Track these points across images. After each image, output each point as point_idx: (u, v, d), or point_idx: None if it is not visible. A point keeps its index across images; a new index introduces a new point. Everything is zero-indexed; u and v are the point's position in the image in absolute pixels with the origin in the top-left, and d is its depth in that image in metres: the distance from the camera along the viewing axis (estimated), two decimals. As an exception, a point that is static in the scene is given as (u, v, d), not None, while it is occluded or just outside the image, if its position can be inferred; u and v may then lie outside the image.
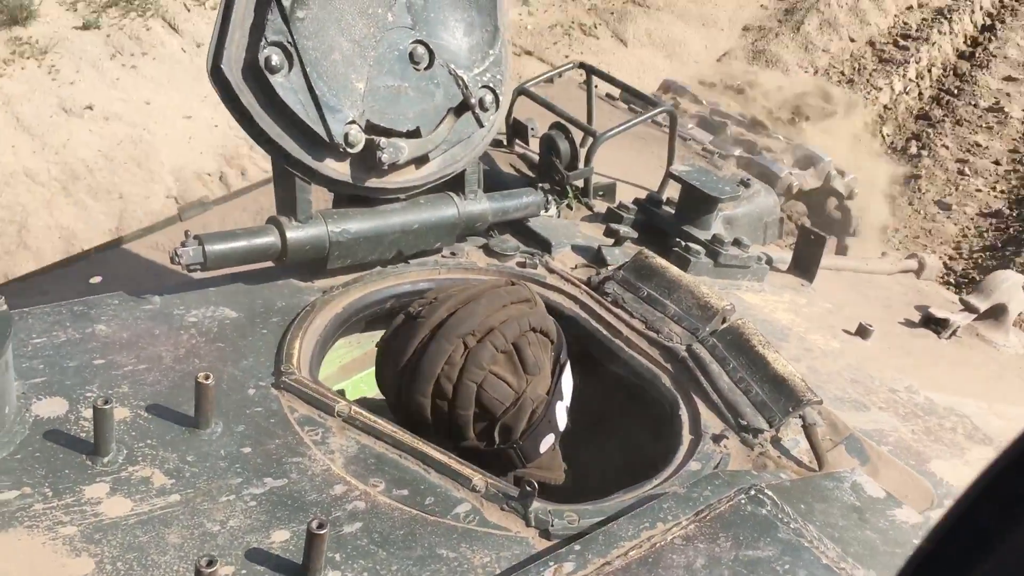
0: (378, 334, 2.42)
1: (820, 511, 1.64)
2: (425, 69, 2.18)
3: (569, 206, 2.93)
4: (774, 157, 4.48)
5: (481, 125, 2.30)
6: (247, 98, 1.97)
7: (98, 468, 1.57)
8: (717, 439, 1.94)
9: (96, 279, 3.00)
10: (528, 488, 1.65)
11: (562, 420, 1.95)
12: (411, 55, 2.16)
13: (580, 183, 2.95)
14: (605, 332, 2.25)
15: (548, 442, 1.92)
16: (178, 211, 3.36)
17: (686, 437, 1.97)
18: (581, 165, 2.91)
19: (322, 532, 1.39)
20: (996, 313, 3.28)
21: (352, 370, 2.36)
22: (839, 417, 2.07)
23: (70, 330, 1.88)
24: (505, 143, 3.29)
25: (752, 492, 1.62)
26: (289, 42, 1.96)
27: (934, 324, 3.13)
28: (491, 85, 2.28)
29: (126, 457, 1.61)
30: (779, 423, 1.96)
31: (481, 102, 2.27)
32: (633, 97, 3.32)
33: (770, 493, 1.62)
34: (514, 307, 1.89)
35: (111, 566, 1.41)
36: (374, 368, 2.35)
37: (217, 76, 1.94)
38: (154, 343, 1.90)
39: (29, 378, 1.73)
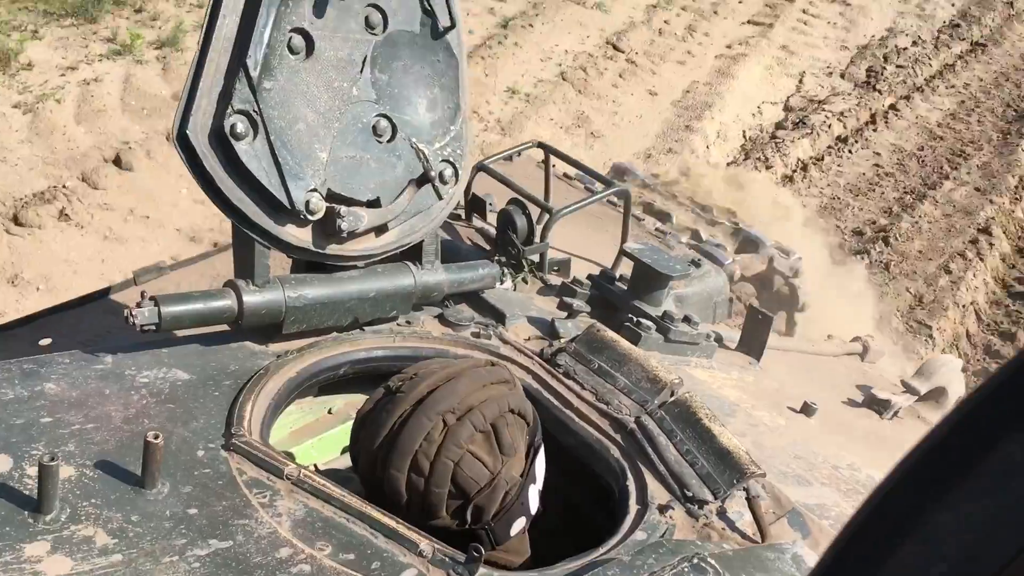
0: (331, 400, 2.44)
1: None
2: (388, 142, 2.25)
3: (524, 280, 2.98)
4: (718, 244, 4.61)
5: (440, 197, 2.36)
6: (210, 163, 2.01)
7: (40, 526, 1.55)
8: (663, 509, 1.97)
9: (46, 341, 2.97)
10: (475, 552, 1.66)
11: (534, 504, 1.96)
12: (374, 128, 2.22)
13: (536, 257, 3.01)
14: (556, 403, 2.29)
15: (519, 525, 1.92)
16: (134, 275, 3.35)
17: (633, 507, 1.99)
18: (537, 240, 2.98)
19: None
20: (936, 396, 3.37)
21: (303, 435, 2.36)
22: (782, 491, 2.11)
23: (18, 388, 1.87)
24: (464, 216, 3.36)
25: (695, 561, 1.65)
26: (255, 111, 2.02)
27: (876, 405, 3.21)
28: (451, 159, 2.35)
29: (69, 515, 1.59)
30: (724, 495, 2.00)
31: (441, 175, 2.34)
32: (589, 176, 3.42)
33: (713, 562, 1.65)
34: (494, 387, 1.90)
35: None
36: (328, 435, 2.37)
37: (183, 141, 1.98)
38: (103, 402, 1.90)
39: None
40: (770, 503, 2.06)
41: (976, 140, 10.77)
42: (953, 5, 14.19)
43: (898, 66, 11.99)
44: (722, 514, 2.00)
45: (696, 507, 1.98)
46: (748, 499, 2.00)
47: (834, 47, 12.20)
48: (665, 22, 11.53)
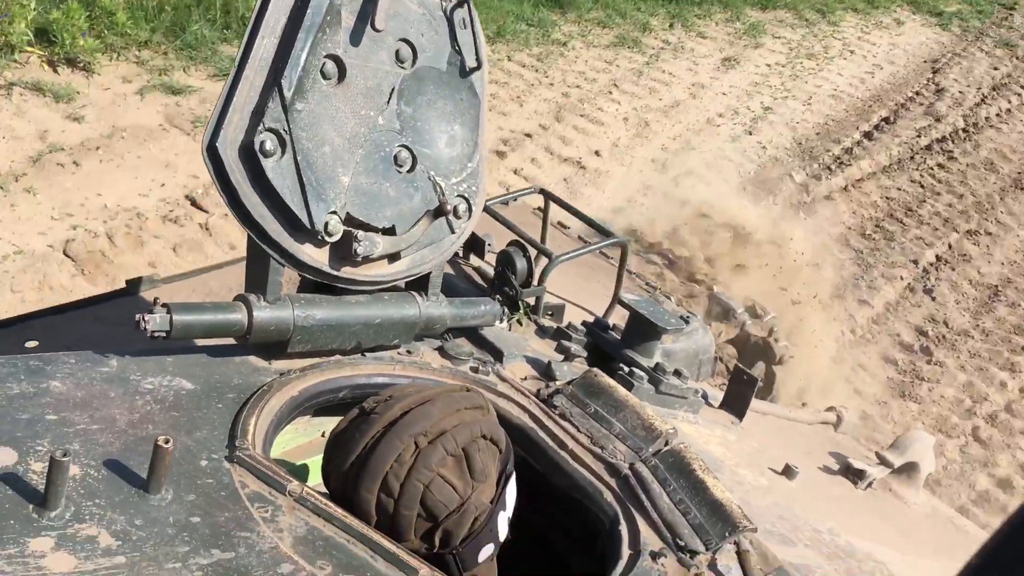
0: (325, 422, 2.44)
1: None
2: (407, 172, 2.29)
3: (519, 321, 3.02)
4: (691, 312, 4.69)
5: (453, 231, 2.40)
6: (236, 177, 2.03)
7: (44, 522, 1.54)
8: (656, 556, 1.98)
9: (32, 343, 2.94)
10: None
11: (503, 531, 1.97)
12: (395, 157, 2.26)
13: (532, 300, 3.05)
14: (551, 443, 2.31)
15: (487, 552, 1.93)
16: (126, 284, 3.33)
17: (625, 552, 2.01)
18: (535, 283, 3.02)
19: None
20: (908, 470, 3.43)
21: (296, 456, 2.35)
22: (769, 548, 2.14)
23: (24, 383, 1.86)
24: (461, 254, 3.40)
25: None
26: (285, 130, 2.05)
27: (852, 474, 3.26)
28: (466, 195, 2.40)
29: (73, 514, 1.58)
30: (716, 546, 2.02)
31: (455, 210, 2.38)
32: (588, 225, 3.48)
33: None
34: (467, 412, 1.93)
35: None
36: (320, 457, 2.36)
37: (212, 153, 2.01)
38: (109, 405, 1.89)
39: None
40: (758, 559, 2.09)
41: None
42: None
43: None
44: (712, 566, 2.02)
45: (688, 556, 2.00)
46: (738, 552, 2.03)
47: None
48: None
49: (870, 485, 3.27)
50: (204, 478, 1.77)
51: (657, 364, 2.84)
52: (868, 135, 11.31)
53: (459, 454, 1.87)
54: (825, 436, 3.88)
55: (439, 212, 2.35)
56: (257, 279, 2.16)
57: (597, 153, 9.28)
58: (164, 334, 1.99)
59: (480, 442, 1.91)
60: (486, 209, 3.28)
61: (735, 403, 3.17)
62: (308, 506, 1.78)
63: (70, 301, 3.25)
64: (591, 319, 3.17)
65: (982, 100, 13.16)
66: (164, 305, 2.01)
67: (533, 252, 3.09)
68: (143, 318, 1.97)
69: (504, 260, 3.03)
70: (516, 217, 3.83)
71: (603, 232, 3.32)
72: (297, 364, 2.25)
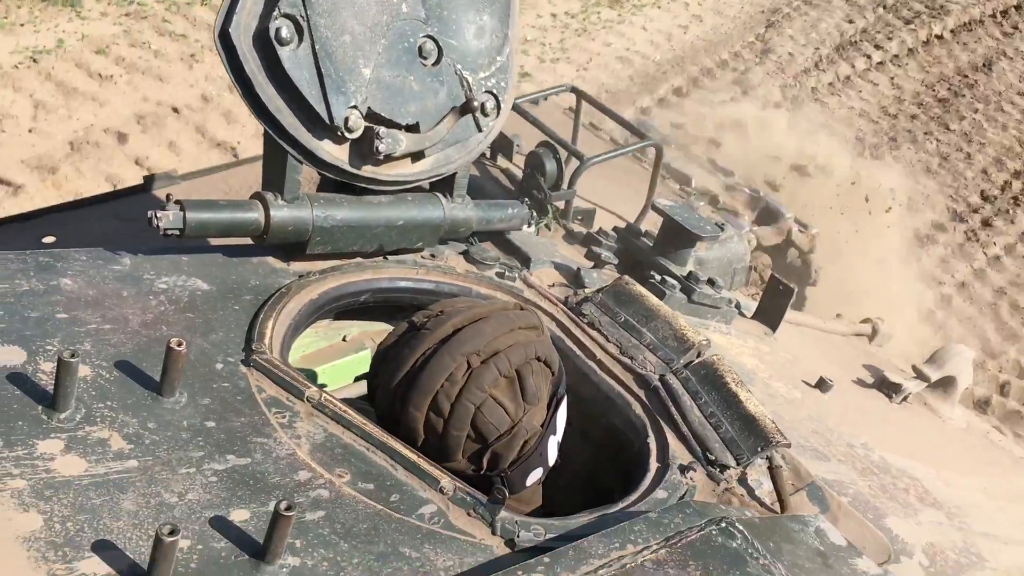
0: (346, 326, 2.38)
1: (787, 551, 1.63)
2: (432, 65, 2.15)
3: (547, 226, 2.91)
4: (736, 212, 4.54)
5: (480, 130, 2.28)
6: (251, 66, 1.92)
7: (54, 423, 1.49)
8: (684, 470, 1.92)
9: (50, 239, 2.88)
10: (498, 495, 1.61)
11: (552, 455, 1.90)
12: (420, 49, 2.13)
13: (561, 204, 2.94)
14: (579, 352, 2.23)
15: (535, 476, 1.87)
16: (144, 180, 3.25)
17: (653, 465, 1.95)
18: (565, 186, 2.90)
19: (289, 515, 1.33)
20: (945, 385, 3.34)
21: (316, 361, 2.29)
22: (802, 464, 2.07)
23: (34, 280, 1.79)
24: (488, 155, 3.27)
25: (723, 524, 1.61)
26: (302, 16, 1.92)
27: (887, 388, 3.18)
28: (495, 91, 2.26)
29: (84, 416, 1.53)
30: (747, 461, 1.96)
31: (483, 107, 2.25)
32: (622, 126, 3.33)
33: (741, 527, 1.61)
34: (521, 332, 1.84)
35: (60, 525, 1.33)
36: (340, 362, 2.31)
37: (224, 40, 1.89)
38: (121, 304, 1.82)
39: None
40: (790, 474, 2.02)
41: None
42: None
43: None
44: (743, 480, 1.96)
45: (717, 471, 1.94)
46: (770, 468, 1.96)
47: None
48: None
49: (905, 399, 3.18)
50: (220, 382, 1.72)
51: (690, 272, 2.74)
52: (644, 110, 8.53)
53: (512, 375, 1.79)
54: (860, 349, 3.79)
55: (466, 109, 2.22)
56: (274, 177, 2.07)
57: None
58: (177, 232, 1.91)
59: (534, 364, 1.83)
60: (515, 108, 3.13)
61: (769, 313, 3.07)
62: (327, 412, 1.72)
63: (87, 197, 3.18)
64: (622, 225, 3.05)
65: (815, 64, 10.08)
66: (178, 202, 1.93)
67: (563, 154, 2.96)
68: (155, 215, 1.89)
69: (533, 162, 2.91)
70: (547, 117, 3.68)
71: (637, 134, 3.18)
72: (317, 266, 2.17)
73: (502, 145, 3.24)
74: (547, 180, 2.88)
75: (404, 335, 1.85)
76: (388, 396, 1.81)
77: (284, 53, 1.92)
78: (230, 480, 1.51)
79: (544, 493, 2.02)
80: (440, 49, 2.16)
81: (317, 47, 1.95)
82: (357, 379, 2.33)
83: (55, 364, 1.49)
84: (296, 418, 1.70)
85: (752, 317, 3.10)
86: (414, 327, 1.84)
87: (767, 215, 4.66)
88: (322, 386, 2.21)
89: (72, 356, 1.45)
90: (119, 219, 3.11)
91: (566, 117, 3.96)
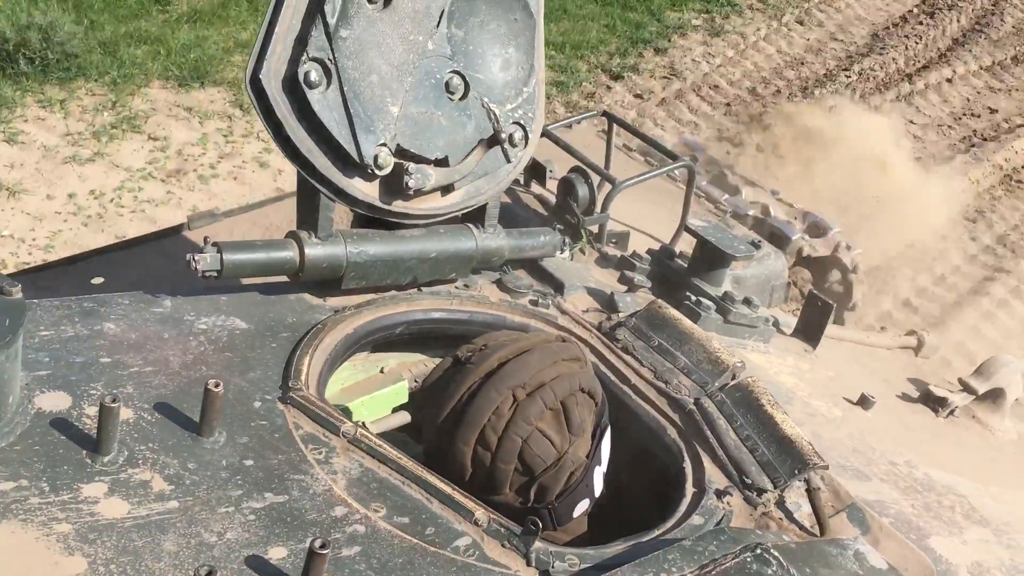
0: (383, 359, 2.41)
1: None
2: (459, 100, 2.19)
3: (582, 250, 2.93)
4: (786, 220, 4.51)
5: (508, 160, 2.31)
6: (282, 110, 1.97)
7: (97, 467, 1.54)
8: (721, 495, 1.92)
9: (98, 280, 2.97)
10: (532, 526, 1.63)
11: (599, 486, 1.91)
12: (447, 84, 2.17)
13: (595, 228, 2.95)
14: (613, 379, 2.24)
15: (582, 507, 1.88)
16: (187, 219, 3.34)
17: (689, 490, 1.95)
18: (598, 211, 2.92)
19: (324, 552, 1.36)
20: (994, 397, 3.28)
21: (354, 393, 2.33)
22: (842, 485, 2.06)
23: (78, 326, 1.86)
24: (522, 182, 3.30)
25: (758, 551, 1.60)
26: (330, 59, 1.97)
27: (932, 402, 3.13)
28: (522, 122, 2.30)
29: (127, 458, 1.58)
30: (784, 484, 1.95)
31: (511, 138, 2.28)
32: (654, 149, 3.34)
33: (776, 554, 1.60)
34: (565, 364, 1.86)
35: (104, 568, 1.38)
36: (378, 394, 2.34)
37: (255, 86, 1.94)
38: (162, 346, 1.88)
39: (34, 370, 1.70)
40: (829, 496, 2.00)
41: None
42: None
43: None
44: (780, 504, 1.94)
45: (755, 495, 1.93)
46: (808, 490, 1.94)
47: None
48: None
49: (952, 413, 3.13)
50: (257, 420, 1.76)
51: (726, 292, 2.74)
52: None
53: (557, 407, 1.81)
54: (906, 361, 3.73)
55: (494, 141, 2.26)
56: (308, 215, 2.12)
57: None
58: (215, 274, 1.97)
59: (578, 395, 1.85)
60: (547, 134, 3.16)
61: (809, 330, 3.04)
62: (363, 447, 1.75)
63: (133, 237, 3.27)
64: (657, 246, 3.06)
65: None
66: (215, 244, 1.98)
67: (596, 178, 2.97)
68: (194, 258, 1.95)
69: (565, 187, 2.93)
70: (579, 141, 3.70)
71: (669, 155, 3.19)
72: (352, 301, 2.21)
73: (535, 171, 3.26)
74: (580, 205, 2.90)
75: (449, 370, 1.88)
76: (435, 431, 1.83)
77: (313, 96, 1.97)
78: (268, 518, 1.55)
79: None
80: (467, 84, 2.20)
81: (345, 88, 1.99)
82: (395, 410, 2.37)
83: (99, 408, 1.54)
84: (332, 454, 1.73)
85: (792, 334, 3.08)
86: (458, 362, 1.87)
87: (814, 228, 4.61)
88: (359, 421, 2.25)
89: (113, 401, 1.50)
90: (166, 256, 3.19)
91: (600, 140, 3.98)
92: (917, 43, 10.33)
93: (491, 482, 1.78)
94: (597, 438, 1.88)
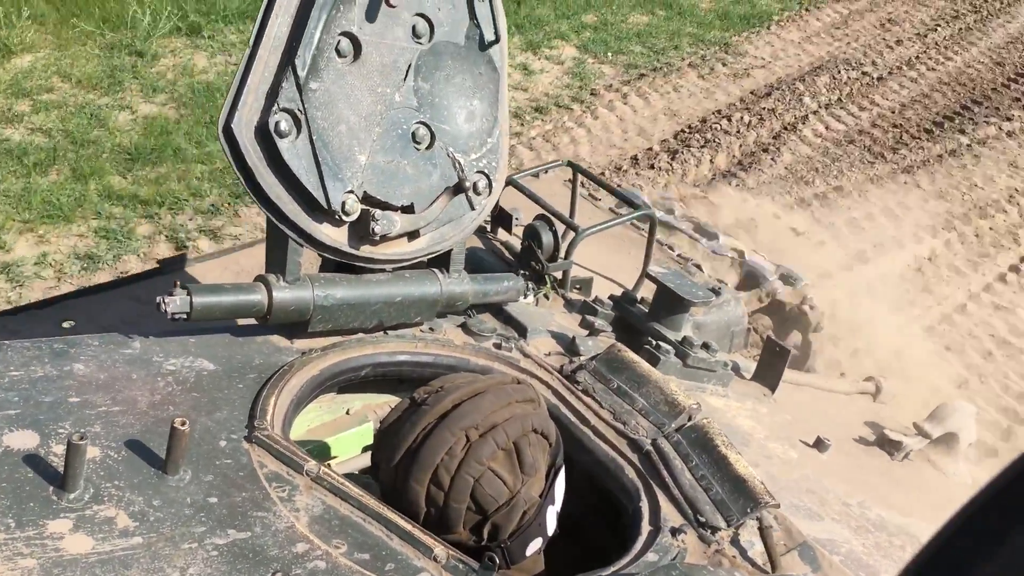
0: (350, 399, 2.46)
1: None
2: (425, 149, 2.27)
3: (546, 296, 3.00)
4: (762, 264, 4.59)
5: (473, 208, 2.39)
6: (252, 159, 2.04)
7: (64, 503, 1.57)
8: (675, 532, 1.97)
9: (68, 323, 3.00)
10: (489, 562, 1.67)
11: (551, 525, 1.96)
12: (413, 135, 2.25)
13: (559, 274, 3.03)
14: (574, 419, 2.30)
15: (535, 546, 1.93)
16: (159, 263, 3.38)
17: (645, 528, 2.00)
18: (562, 257, 3.00)
19: None
20: (947, 441, 3.36)
21: (320, 434, 2.38)
22: (794, 524, 2.12)
23: (48, 366, 1.90)
24: (489, 229, 3.39)
25: None
26: (300, 110, 2.05)
27: (888, 445, 3.21)
28: (486, 171, 2.38)
29: (92, 495, 1.61)
30: (737, 522, 2.01)
31: (475, 186, 2.36)
32: (616, 198, 3.44)
33: None
34: (519, 405, 1.92)
35: None
36: (344, 435, 2.39)
37: (227, 135, 2.01)
38: (131, 387, 1.92)
39: (3, 410, 1.73)
40: (782, 534, 2.06)
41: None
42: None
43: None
44: (734, 542, 2.00)
45: (708, 533, 1.99)
46: (760, 529, 2.00)
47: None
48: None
49: (907, 456, 3.21)
50: (223, 459, 1.80)
51: (685, 337, 2.81)
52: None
53: (510, 448, 1.86)
54: (863, 406, 3.82)
55: (458, 189, 2.34)
56: (277, 259, 2.18)
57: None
58: (185, 316, 2.02)
59: (531, 436, 1.91)
60: (513, 183, 3.26)
61: (767, 375, 3.12)
62: (325, 485, 1.80)
63: (106, 281, 3.30)
64: (620, 292, 3.14)
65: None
66: (184, 287, 2.04)
67: (561, 226, 3.06)
68: (163, 300, 2.00)
69: (530, 234, 3.01)
70: (547, 189, 3.80)
71: (630, 204, 3.28)
72: (319, 343, 2.26)
73: (502, 218, 3.35)
74: (544, 252, 2.98)
75: (405, 412, 1.93)
76: (391, 471, 1.88)
77: (283, 145, 2.04)
78: (230, 554, 1.59)
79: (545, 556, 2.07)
80: (433, 134, 2.28)
81: (314, 138, 2.07)
82: (365, 449, 2.41)
83: (66, 446, 1.58)
84: (296, 492, 1.78)
85: (751, 379, 3.15)
86: (415, 403, 1.92)
87: (784, 278, 4.67)
88: (327, 460, 2.29)
89: (81, 439, 1.54)
90: (137, 301, 3.23)
91: (566, 188, 4.08)
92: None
93: (445, 521, 1.82)
94: (551, 478, 1.93)
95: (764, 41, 10.52)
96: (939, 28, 11.31)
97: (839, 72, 9.85)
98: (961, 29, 11.37)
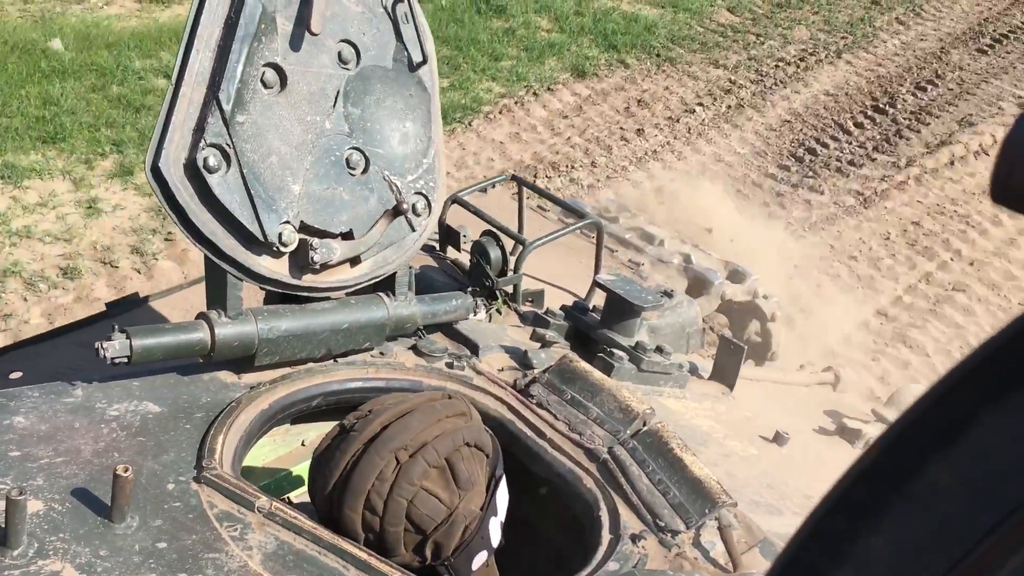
0: (304, 430, 2.44)
1: None
2: (361, 174, 2.27)
3: (499, 311, 3.00)
4: (707, 267, 4.62)
5: (413, 229, 2.38)
6: (183, 196, 2.02)
7: (7, 561, 1.54)
8: (636, 539, 1.97)
9: (16, 374, 2.94)
10: None
11: (496, 536, 1.95)
12: (347, 161, 2.24)
13: (509, 289, 3.03)
14: (530, 433, 2.30)
15: (481, 559, 1.92)
16: (107, 307, 3.33)
17: (605, 537, 2.00)
18: (511, 272, 3.00)
19: None
20: (907, 424, 3.40)
21: (276, 468, 2.35)
22: (754, 521, 2.13)
23: None
24: (438, 248, 3.38)
25: None
26: (228, 144, 2.03)
27: (848, 434, 3.24)
28: (424, 192, 2.38)
29: (36, 550, 1.58)
30: (696, 524, 2.01)
31: (414, 207, 2.36)
32: (562, 208, 3.45)
33: None
34: (449, 421, 1.91)
35: None
36: (298, 467, 2.36)
37: (156, 174, 1.99)
38: (73, 436, 1.88)
39: None
40: (742, 532, 2.07)
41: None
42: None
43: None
44: (695, 544, 2.00)
45: (669, 536, 1.99)
46: (720, 528, 2.01)
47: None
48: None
49: (867, 444, 3.24)
50: (171, 502, 1.77)
51: (638, 342, 2.82)
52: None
53: (442, 465, 1.85)
54: (823, 397, 3.85)
55: (397, 211, 2.33)
56: (217, 295, 2.15)
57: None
58: (125, 360, 1.99)
59: (464, 450, 1.89)
60: (459, 200, 3.26)
61: (725, 373, 3.14)
62: (278, 521, 1.78)
63: (50, 329, 3.25)
64: (572, 302, 3.14)
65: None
66: (123, 330, 2.01)
67: (507, 240, 3.06)
68: (102, 345, 1.97)
69: (478, 251, 3.01)
70: (496, 203, 3.81)
71: (575, 213, 3.30)
72: (268, 376, 2.24)
73: (450, 237, 3.35)
74: (493, 267, 2.98)
75: (335, 439, 1.92)
76: (325, 500, 1.87)
77: (213, 180, 2.02)
78: None
79: (501, 568, 2.06)
80: (367, 159, 2.28)
81: (245, 171, 2.06)
82: None
83: (4, 502, 1.55)
84: (248, 530, 1.75)
85: (709, 378, 3.17)
86: (344, 430, 1.91)
87: (734, 276, 4.71)
88: (296, 490, 2.27)
89: (20, 494, 1.51)
90: (83, 347, 3.18)
91: (514, 201, 4.09)
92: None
93: (384, 545, 1.81)
94: (491, 489, 1.93)
95: (457, 143, 7.72)
96: (699, 108, 8.66)
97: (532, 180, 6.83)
98: (729, 107, 8.80)
